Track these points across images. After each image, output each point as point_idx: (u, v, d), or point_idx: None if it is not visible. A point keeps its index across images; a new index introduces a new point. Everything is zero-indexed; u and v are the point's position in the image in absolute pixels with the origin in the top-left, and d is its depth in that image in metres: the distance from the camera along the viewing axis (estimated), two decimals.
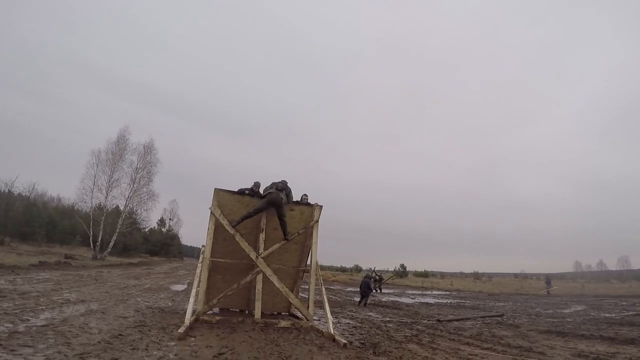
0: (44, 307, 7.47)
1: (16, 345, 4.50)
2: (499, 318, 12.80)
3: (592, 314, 15.68)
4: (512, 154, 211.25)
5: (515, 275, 73.97)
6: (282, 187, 8.67)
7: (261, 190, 8.82)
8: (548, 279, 39.24)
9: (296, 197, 9.18)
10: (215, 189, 8.45)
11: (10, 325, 5.51)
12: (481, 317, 12.89)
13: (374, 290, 16.70)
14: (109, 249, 33.82)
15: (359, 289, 16.84)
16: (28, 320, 6.08)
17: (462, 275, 72.37)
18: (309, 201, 9.21)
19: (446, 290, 34.92)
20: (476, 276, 65.52)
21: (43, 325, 5.78)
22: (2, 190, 43.27)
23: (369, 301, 15.91)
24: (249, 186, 8.78)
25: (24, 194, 44.97)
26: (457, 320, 11.72)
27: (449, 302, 20.93)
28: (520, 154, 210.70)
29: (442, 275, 71.67)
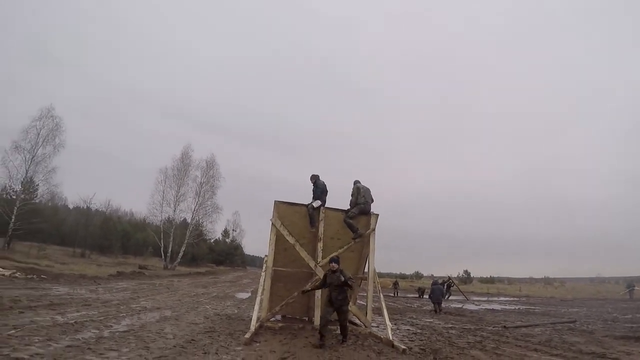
0: (124, 314, 8.19)
1: (103, 349, 5.02)
2: (571, 324, 12.08)
3: None
4: (559, 159, 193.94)
5: (591, 280, 68.80)
6: (340, 271, 7.43)
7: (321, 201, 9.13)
8: (631, 283, 36.20)
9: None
10: (275, 201, 8.79)
11: (97, 331, 6.12)
12: (551, 323, 12.23)
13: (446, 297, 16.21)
14: (179, 259, 35.91)
15: (429, 297, 16.60)
16: (111, 326, 6.71)
17: (531, 281, 68.31)
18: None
19: (514, 297, 33.23)
20: (547, 282, 62.08)
21: (125, 331, 6.37)
22: (82, 207, 47.32)
23: (437, 308, 15.39)
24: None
25: (100, 209, 48.83)
26: (524, 326, 11.23)
27: (516, 308, 19.99)
28: (568, 158, 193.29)
29: (510, 281, 68.16)
